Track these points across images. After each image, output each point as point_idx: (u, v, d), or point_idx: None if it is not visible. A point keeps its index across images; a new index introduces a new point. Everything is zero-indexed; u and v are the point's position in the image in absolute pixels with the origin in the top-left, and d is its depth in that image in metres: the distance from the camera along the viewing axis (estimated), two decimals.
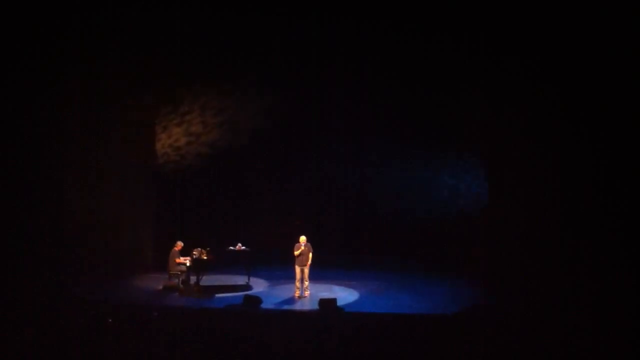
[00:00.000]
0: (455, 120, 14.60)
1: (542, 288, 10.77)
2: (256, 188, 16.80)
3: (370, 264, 15.72)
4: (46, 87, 12.14)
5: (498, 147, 13.08)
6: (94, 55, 12.82)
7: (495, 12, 11.51)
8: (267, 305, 11.50)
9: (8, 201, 11.52)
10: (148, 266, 15.04)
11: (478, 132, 14.08)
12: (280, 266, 14.08)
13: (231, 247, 13.83)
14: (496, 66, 12.11)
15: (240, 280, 13.83)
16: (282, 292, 12.90)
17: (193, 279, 12.81)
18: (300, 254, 12.19)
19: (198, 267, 12.72)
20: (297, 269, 12.27)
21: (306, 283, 12.36)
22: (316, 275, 12.93)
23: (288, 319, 11.16)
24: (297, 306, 11.88)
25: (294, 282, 12.43)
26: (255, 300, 11.45)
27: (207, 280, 13.11)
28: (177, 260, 12.88)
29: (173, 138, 15.57)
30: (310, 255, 12.28)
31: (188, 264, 12.80)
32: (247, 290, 13.03)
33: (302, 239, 12.28)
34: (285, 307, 11.76)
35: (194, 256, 12.73)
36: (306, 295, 12.37)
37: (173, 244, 13.07)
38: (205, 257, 12.77)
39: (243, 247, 13.84)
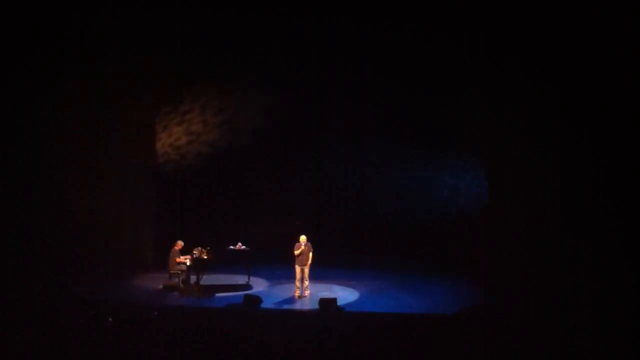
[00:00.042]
0: (455, 120, 14.60)
1: (542, 288, 10.77)
2: (256, 188, 16.80)
3: (370, 264, 15.72)
4: (46, 87, 12.13)
5: (498, 147, 13.08)
6: (94, 55, 12.82)
7: (495, 12, 11.51)
8: (267, 304, 11.50)
9: (8, 201, 11.51)
10: (148, 266, 15.04)
11: (478, 132, 14.09)
12: (280, 265, 14.10)
13: (231, 247, 13.83)
14: (496, 66, 12.12)
15: (241, 279, 13.83)
16: (282, 291, 12.90)
17: (193, 278, 12.82)
18: (300, 254, 12.20)
19: (198, 266, 12.73)
20: (298, 269, 12.28)
21: (306, 282, 12.36)
22: (316, 274, 12.93)
23: (288, 318, 11.16)
24: (297, 306, 11.89)
25: (294, 282, 12.43)
26: (256, 299, 11.45)
27: (207, 279, 13.11)
28: (178, 260, 12.89)
29: (173, 137, 15.58)
30: (311, 254, 12.28)
31: (188, 264, 12.80)
32: (247, 289, 13.03)
33: (303, 238, 12.29)
34: (286, 306, 11.76)
35: (194, 255, 12.74)
36: (306, 294, 12.37)
37: (173, 244, 13.08)
38: (205, 257, 12.77)
39: (243, 247, 13.84)
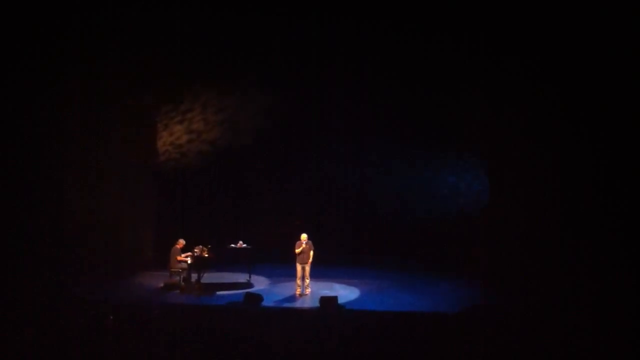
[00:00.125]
0: (455, 120, 14.60)
1: (542, 288, 10.77)
2: (256, 188, 16.82)
3: (370, 264, 15.74)
4: (46, 87, 12.12)
5: (498, 147, 13.09)
6: (94, 55, 12.81)
7: (495, 12, 11.50)
8: (268, 302, 11.55)
9: (8, 201, 11.51)
10: (149, 264, 15.06)
11: (478, 132, 14.09)
12: (280, 265, 14.12)
13: (232, 245, 13.87)
14: (496, 66, 12.11)
15: (241, 278, 13.87)
16: (283, 289, 12.93)
17: (194, 276, 12.84)
18: (301, 252, 12.23)
19: (199, 264, 12.76)
20: (299, 267, 12.30)
21: (307, 281, 12.38)
22: (317, 273, 12.95)
23: (289, 316, 11.20)
24: (298, 304, 11.92)
25: (295, 280, 12.46)
26: (256, 297, 11.48)
27: (208, 277, 13.13)
28: (179, 258, 12.91)
29: (175, 136, 15.60)
30: (312, 253, 12.32)
31: (189, 262, 12.82)
32: (248, 287, 13.05)
33: (304, 236, 12.33)
34: (286, 304, 11.79)
35: (195, 254, 12.77)
36: (307, 293, 12.39)
37: (174, 242, 13.10)
38: (206, 255, 12.81)
39: (244, 245, 13.87)
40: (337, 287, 13.29)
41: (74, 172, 13.16)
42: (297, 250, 12.24)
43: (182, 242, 13.11)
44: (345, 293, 12.66)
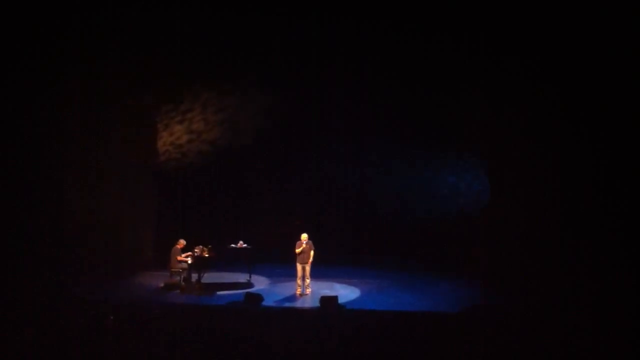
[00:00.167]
0: (455, 120, 14.60)
1: (542, 288, 10.78)
2: (256, 188, 16.83)
3: (370, 264, 15.74)
4: (46, 87, 12.12)
5: (498, 147, 13.09)
6: (94, 55, 12.81)
7: (495, 12, 11.50)
8: (268, 302, 11.55)
9: (8, 201, 11.51)
10: (149, 264, 15.07)
11: (478, 132, 14.09)
12: (280, 265, 14.12)
13: (233, 245, 13.87)
14: (496, 66, 12.10)
15: (242, 277, 13.88)
16: (283, 289, 12.93)
17: (194, 276, 12.85)
18: (302, 252, 12.24)
19: (199, 264, 12.77)
20: (299, 267, 12.31)
21: (307, 281, 12.38)
22: (317, 273, 12.96)
23: (289, 316, 11.20)
24: (299, 304, 11.93)
25: (295, 280, 12.47)
26: (257, 297, 11.48)
27: (209, 277, 13.14)
28: (179, 258, 12.92)
29: (175, 136, 15.60)
30: (312, 253, 12.32)
31: (190, 262, 12.82)
32: (249, 287, 13.06)
33: (304, 236, 12.33)
34: (287, 304, 11.80)
35: (196, 254, 12.77)
36: (307, 292, 12.40)
37: (174, 242, 13.10)
38: (206, 255, 12.81)
39: (244, 245, 13.88)
40: (337, 287, 13.30)
41: (74, 172, 13.16)
42: (298, 250, 12.25)
43: (182, 242, 13.11)
44: (346, 293, 12.67)
